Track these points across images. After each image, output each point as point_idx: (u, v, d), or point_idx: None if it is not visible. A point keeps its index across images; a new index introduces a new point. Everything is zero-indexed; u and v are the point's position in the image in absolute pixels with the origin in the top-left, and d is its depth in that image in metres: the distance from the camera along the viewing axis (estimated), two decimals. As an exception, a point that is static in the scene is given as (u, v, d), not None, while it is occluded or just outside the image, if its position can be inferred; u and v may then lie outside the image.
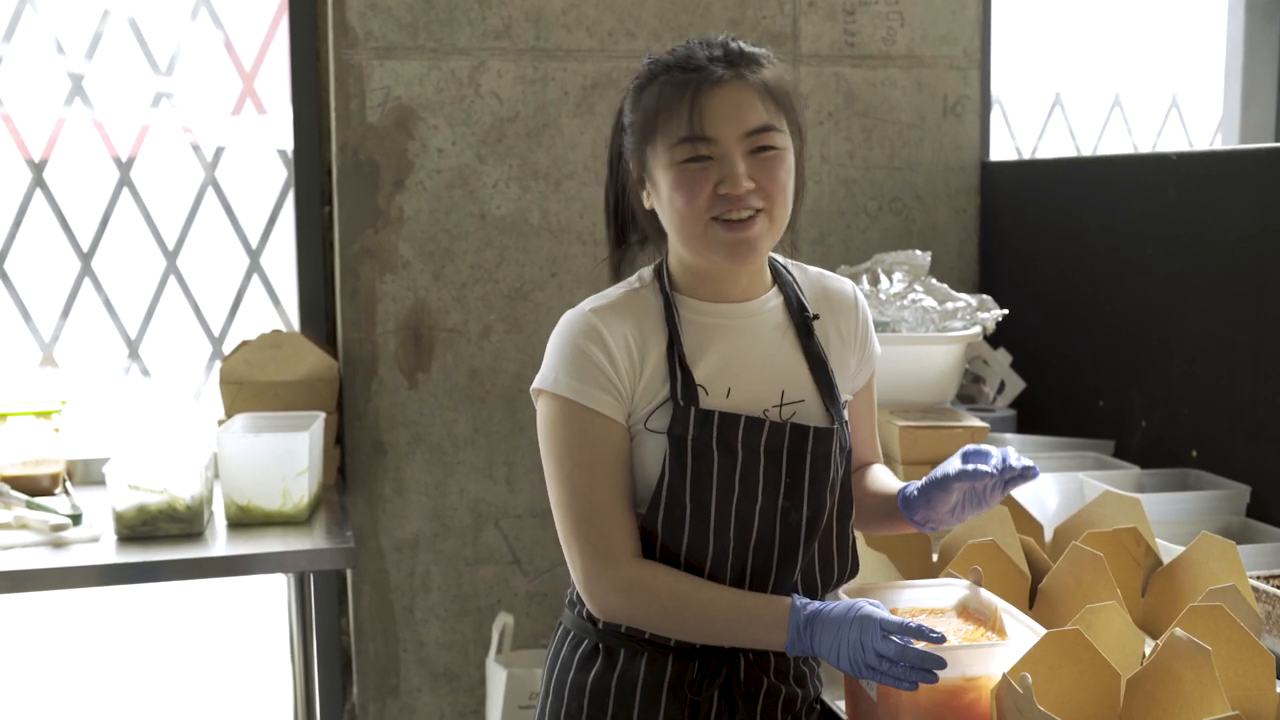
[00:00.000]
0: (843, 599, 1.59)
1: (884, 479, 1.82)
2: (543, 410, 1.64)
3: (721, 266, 1.62)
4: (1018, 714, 1.42)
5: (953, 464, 1.63)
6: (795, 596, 1.57)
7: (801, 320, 1.71)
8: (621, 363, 1.61)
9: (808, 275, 1.78)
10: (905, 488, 1.71)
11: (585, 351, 1.60)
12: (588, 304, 1.66)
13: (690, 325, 1.65)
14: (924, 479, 1.68)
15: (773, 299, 1.71)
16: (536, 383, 1.65)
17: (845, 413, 1.71)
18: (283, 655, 2.83)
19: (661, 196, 1.61)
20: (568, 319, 1.65)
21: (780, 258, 1.77)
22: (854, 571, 1.73)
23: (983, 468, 1.58)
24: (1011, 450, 1.61)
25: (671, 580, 1.59)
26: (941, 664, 1.44)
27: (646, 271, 1.72)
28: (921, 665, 1.44)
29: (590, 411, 1.60)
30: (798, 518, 1.64)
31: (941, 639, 1.48)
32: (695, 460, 1.60)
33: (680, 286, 1.68)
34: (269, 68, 3.33)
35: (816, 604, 1.55)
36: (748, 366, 1.65)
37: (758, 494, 1.62)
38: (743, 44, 1.62)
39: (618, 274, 1.76)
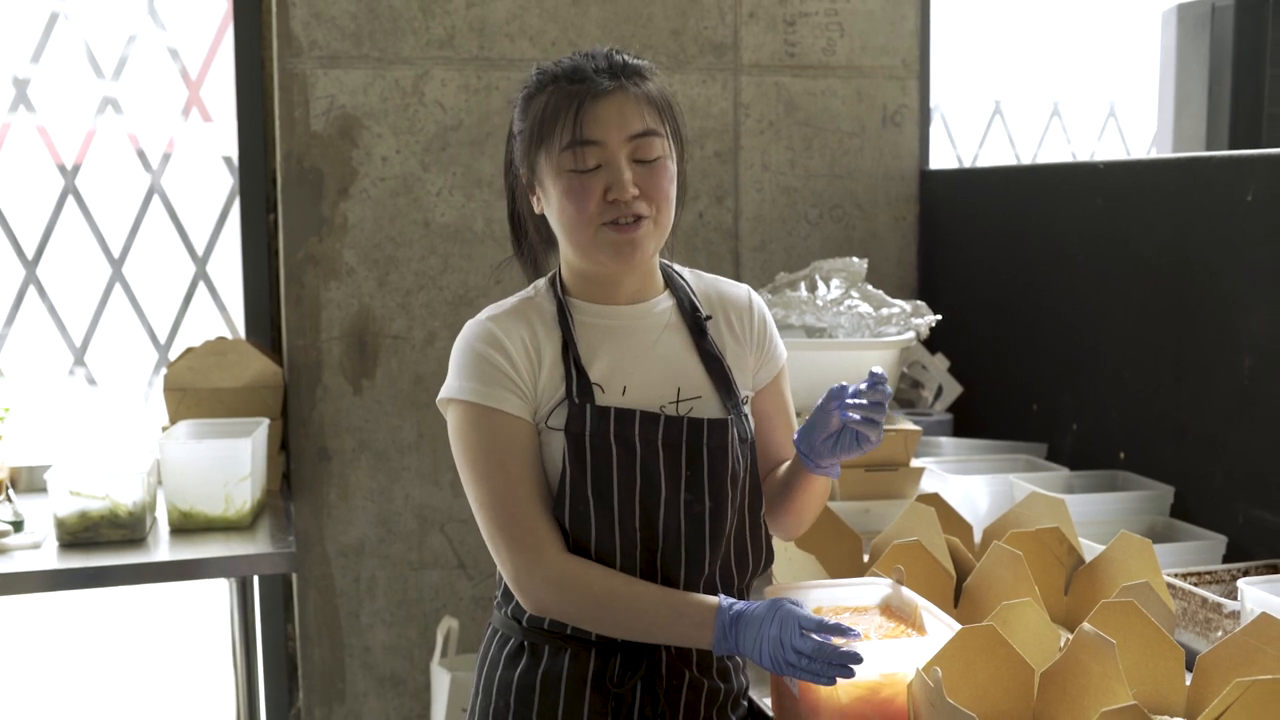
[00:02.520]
0: (766, 598, 1.63)
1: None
2: (452, 419, 1.69)
3: (609, 269, 1.69)
4: (931, 708, 1.46)
5: (820, 399, 1.69)
6: (721, 597, 1.61)
7: (694, 320, 1.77)
8: (521, 363, 1.66)
9: (702, 280, 1.84)
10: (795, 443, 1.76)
11: (485, 356, 1.66)
12: (484, 313, 1.73)
13: (583, 327, 1.71)
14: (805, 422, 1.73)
15: (664, 301, 1.77)
16: (442, 394, 1.70)
17: (746, 408, 1.76)
18: (228, 662, 2.84)
19: (551, 203, 1.67)
20: (466, 329, 1.72)
21: (676, 265, 1.84)
22: (769, 561, 1.78)
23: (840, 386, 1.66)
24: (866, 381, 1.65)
25: (601, 574, 1.63)
26: (858, 659, 1.48)
27: (541, 280, 1.78)
28: (838, 661, 1.48)
29: (498, 412, 1.65)
30: (700, 509, 1.68)
31: (857, 636, 1.53)
32: (594, 455, 1.65)
33: (573, 291, 1.74)
34: (215, 75, 3.34)
35: (742, 604, 1.59)
36: (642, 365, 1.71)
37: (660, 486, 1.67)
38: (626, 56, 1.68)
39: (537, 270, 1.82)
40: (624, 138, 1.63)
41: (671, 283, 1.80)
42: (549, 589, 1.62)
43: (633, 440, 1.66)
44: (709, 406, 1.72)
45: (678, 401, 1.71)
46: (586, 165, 1.62)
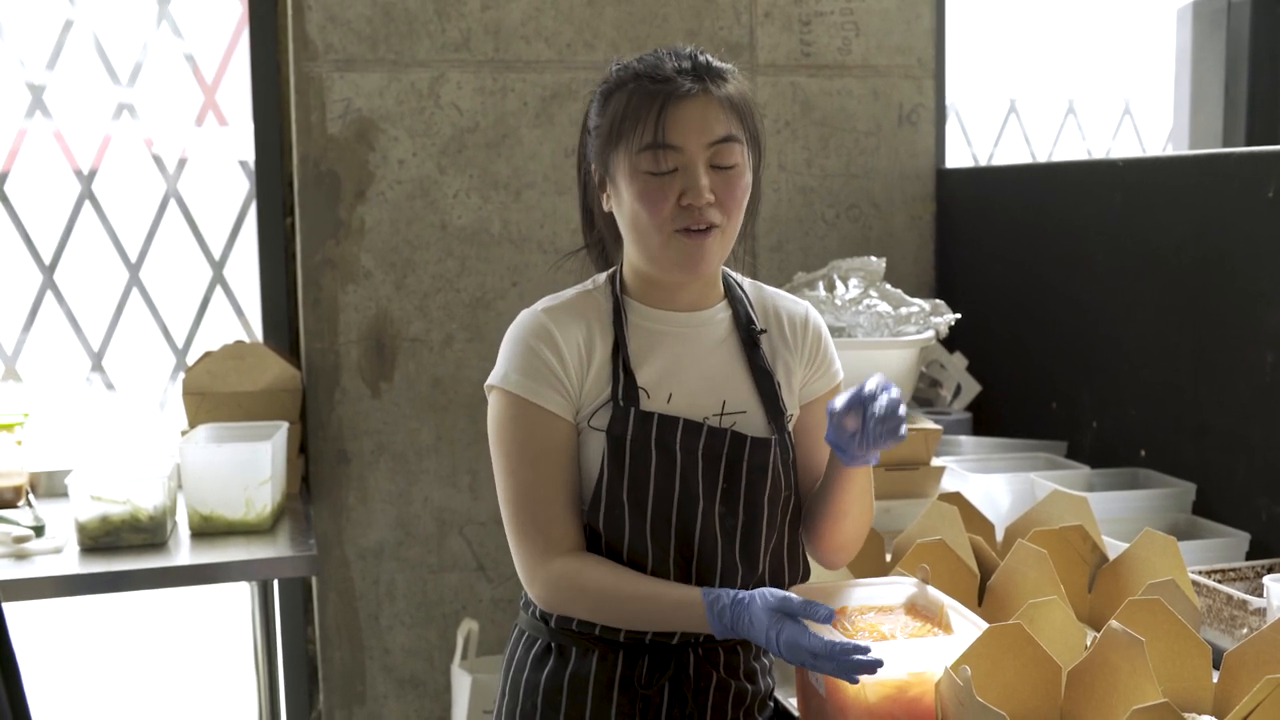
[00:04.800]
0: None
1: None
2: (493, 405, 1.68)
3: (675, 276, 1.66)
4: (960, 707, 1.45)
5: (835, 403, 1.57)
6: (704, 591, 1.58)
7: (748, 334, 1.74)
8: (570, 361, 1.64)
9: (762, 293, 1.81)
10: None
11: (536, 350, 1.64)
12: (541, 304, 1.70)
13: (637, 330, 1.69)
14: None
15: (721, 311, 1.74)
16: (490, 379, 1.68)
17: (790, 426, 1.73)
18: (249, 665, 2.85)
19: (623, 203, 1.63)
20: (521, 319, 1.69)
21: (737, 275, 1.81)
22: (805, 577, 1.77)
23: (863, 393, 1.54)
24: (872, 392, 1.55)
25: (599, 574, 1.61)
26: (865, 652, 1.46)
27: (601, 276, 1.75)
28: (851, 659, 1.45)
29: (538, 408, 1.63)
30: (734, 523, 1.67)
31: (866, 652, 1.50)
32: (633, 460, 1.64)
33: (632, 292, 1.71)
34: (230, 80, 3.35)
35: (727, 599, 1.55)
36: (690, 374, 1.69)
37: (698, 496, 1.65)
38: (710, 58, 1.65)
39: (607, 263, 1.78)
40: (704, 143, 1.59)
41: (730, 293, 1.77)
42: (547, 589, 1.63)
43: (673, 448, 1.65)
44: (753, 422, 1.70)
45: (722, 415, 1.69)
46: (664, 168, 1.59)
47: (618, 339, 1.67)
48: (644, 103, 1.59)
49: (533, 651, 1.74)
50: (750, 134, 1.65)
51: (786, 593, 1.55)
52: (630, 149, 1.60)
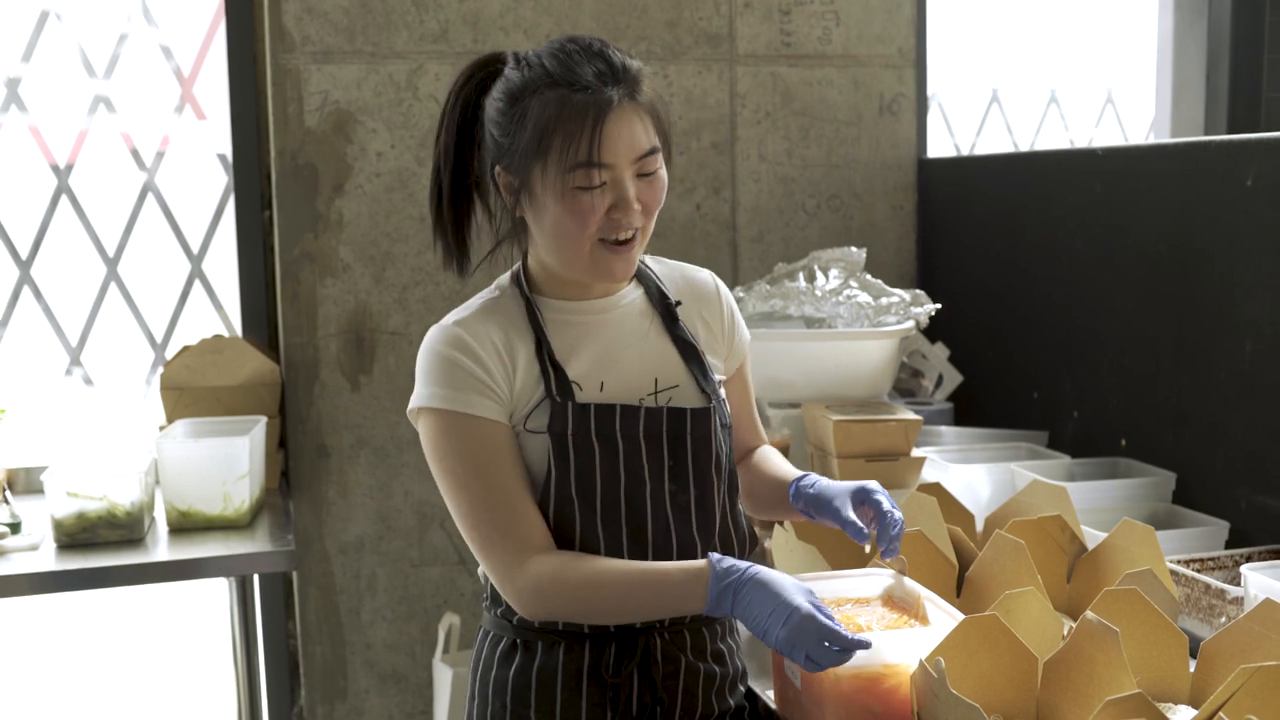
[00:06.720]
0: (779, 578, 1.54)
1: (774, 462, 1.90)
2: (425, 429, 1.64)
3: (595, 283, 1.68)
4: (934, 698, 1.45)
5: (845, 505, 1.71)
6: (713, 557, 1.55)
7: (664, 308, 1.76)
8: (493, 366, 1.62)
9: (667, 266, 1.84)
10: (798, 483, 1.79)
11: (454, 361, 1.62)
12: (449, 318, 1.68)
13: (556, 325, 1.69)
14: (815, 488, 1.76)
15: (631, 292, 1.76)
16: (412, 403, 1.65)
17: (722, 391, 1.76)
18: (228, 661, 2.84)
19: (543, 213, 1.60)
20: (431, 335, 1.66)
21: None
22: (752, 544, 1.79)
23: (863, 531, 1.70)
24: (893, 512, 1.69)
25: (577, 568, 1.58)
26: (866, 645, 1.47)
27: (504, 278, 1.74)
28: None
29: (472, 418, 1.61)
30: (686, 499, 1.68)
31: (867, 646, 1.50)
32: (577, 454, 1.63)
33: (542, 288, 1.71)
34: (207, 73, 3.32)
35: (736, 576, 1.52)
36: (618, 359, 1.70)
37: (644, 480, 1.66)
38: (620, 55, 1.62)
39: (462, 262, 1.73)
40: (632, 158, 1.60)
41: (637, 273, 1.78)
42: (528, 592, 1.58)
43: (614, 437, 1.65)
44: (687, 394, 1.72)
45: (656, 392, 1.70)
46: (595, 184, 1.58)
47: (538, 337, 1.66)
48: (574, 118, 1.56)
49: (499, 650, 1.73)
50: (664, 137, 1.65)
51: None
52: (561, 166, 1.56)
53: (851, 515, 1.70)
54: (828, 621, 1.47)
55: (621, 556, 1.64)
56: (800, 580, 1.58)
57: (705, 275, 1.85)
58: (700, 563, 1.56)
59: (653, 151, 1.62)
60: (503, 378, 1.63)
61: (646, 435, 1.66)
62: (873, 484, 1.73)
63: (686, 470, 1.68)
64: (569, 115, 1.56)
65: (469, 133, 1.68)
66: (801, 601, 1.48)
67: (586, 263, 1.63)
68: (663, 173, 1.65)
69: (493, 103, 1.64)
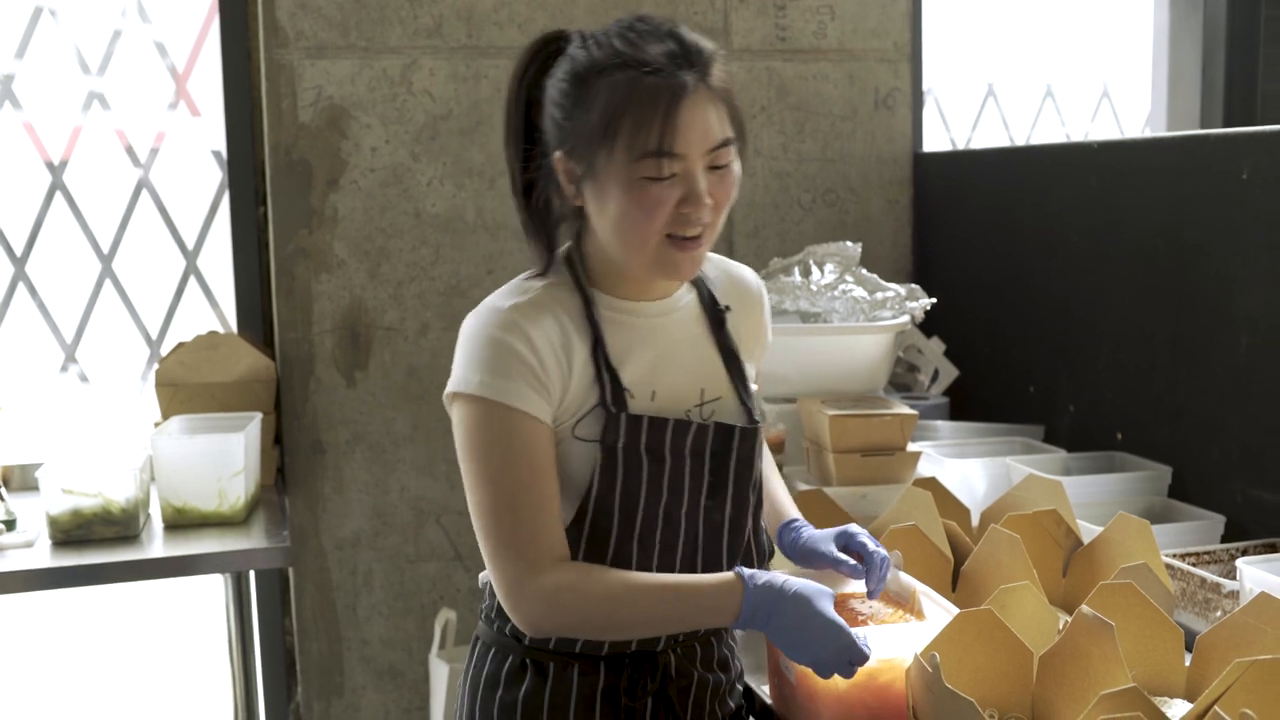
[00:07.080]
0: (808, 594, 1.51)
1: (770, 486, 1.84)
2: (462, 415, 1.52)
3: (657, 279, 1.59)
4: (929, 693, 1.45)
5: (832, 550, 1.71)
6: (744, 572, 1.51)
7: (714, 314, 1.69)
8: (550, 363, 1.52)
9: (714, 265, 1.76)
10: (782, 529, 1.79)
11: (509, 348, 1.50)
12: (503, 300, 1.55)
13: (612, 325, 1.59)
14: (800, 540, 1.76)
15: (686, 294, 1.68)
16: (451, 386, 1.53)
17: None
18: (225, 657, 2.84)
19: (607, 203, 1.50)
20: (481, 316, 1.54)
21: None
22: (771, 556, 1.76)
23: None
24: (878, 551, 1.68)
25: (598, 579, 1.51)
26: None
27: (561, 268, 1.61)
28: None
29: (516, 413, 1.49)
30: (720, 517, 1.62)
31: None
32: (626, 468, 1.54)
33: (600, 283, 1.61)
34: (201, 69, 3.32)
35: (771, 595, 1.48)
36: (670, 367, 1.61)
37: (683, 497, 1.59)
38: (697, 38, 1.52)
39: (552, 255, 1.63)
40: (705, 149, 1.49)
41: None
42: (542, 604, 1.49)
43: (663, 452, 1.56)
44: (729, 407, 1.65)
45: (701, 404, 1.62)
46: (665, 175, 1.47)
47: (595, 336, 1.56)
48: (646, 102, 1.45)
49: (505, 668, 1.64)
50: (739, 127, 1.55)
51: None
52: (629, 154, 1.46)
53: (842, 556, 1.70)
54: (861, 645, 1.48)
55: (650, 571, 1.56)
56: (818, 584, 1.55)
57: (749, 276, 1.78)
58: (729, 575, 1.51)
59: (726, 143, 1.51)
60: (558, 376, 1.52)
61: (693, 451, 1.58)
62: (853, 526, 1.72)
63: (726, 488, 1.62)
64: (640, 99, 1.45)
65: (531, 118, 1.57)
66: (843, 623, 1.48)
67: (651, 259, 1.52)
68: (736, 166, 1.54)
69: (556, 83, 1.53)
